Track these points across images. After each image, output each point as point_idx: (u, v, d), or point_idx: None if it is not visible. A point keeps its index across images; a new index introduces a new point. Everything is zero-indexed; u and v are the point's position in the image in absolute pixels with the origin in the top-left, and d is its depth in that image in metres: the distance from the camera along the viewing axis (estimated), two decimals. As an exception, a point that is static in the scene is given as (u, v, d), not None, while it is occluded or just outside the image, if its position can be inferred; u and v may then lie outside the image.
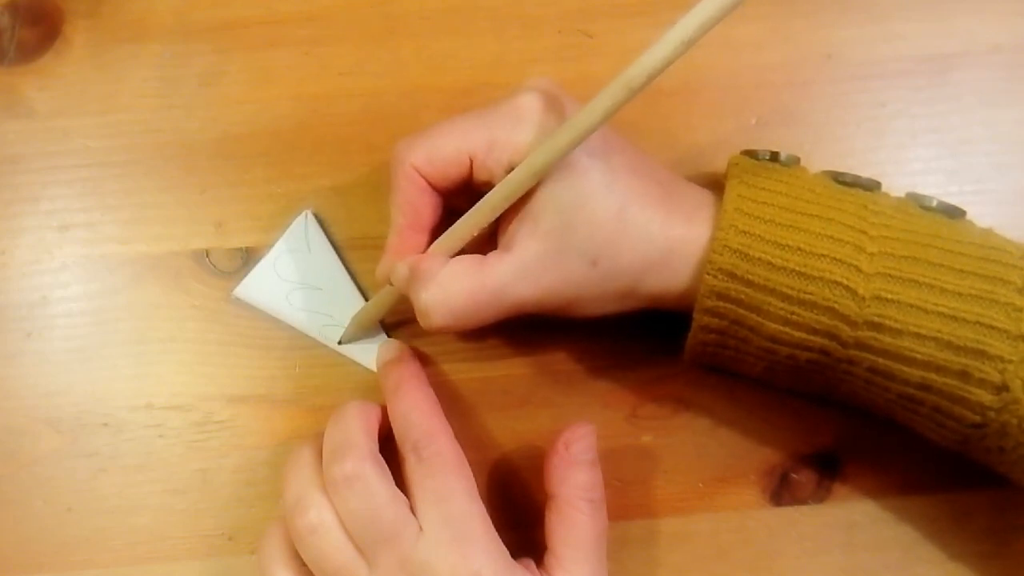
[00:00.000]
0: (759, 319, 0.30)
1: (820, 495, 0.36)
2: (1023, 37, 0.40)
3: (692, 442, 0.36)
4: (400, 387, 0.34)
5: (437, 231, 0.33)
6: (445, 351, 0.37)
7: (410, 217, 0.33)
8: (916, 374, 0.29)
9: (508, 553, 0.31)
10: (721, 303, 0.31)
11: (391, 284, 0.34)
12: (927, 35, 0.40)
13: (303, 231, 0.38)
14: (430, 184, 0.33)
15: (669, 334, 0.37)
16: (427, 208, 0.33)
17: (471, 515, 0.31)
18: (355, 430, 0.32)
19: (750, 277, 0.30)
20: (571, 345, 0.37)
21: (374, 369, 0.37)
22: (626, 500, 0.36)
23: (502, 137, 0.31)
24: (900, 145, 0.39)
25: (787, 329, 0.30)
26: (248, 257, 0.38)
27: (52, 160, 0.39)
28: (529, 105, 0.31)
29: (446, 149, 0.32)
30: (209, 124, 0.40)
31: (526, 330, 0.37)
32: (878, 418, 0.36)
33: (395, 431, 0.33)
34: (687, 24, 0.27)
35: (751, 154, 0.34)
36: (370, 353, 0.37)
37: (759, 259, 0.30)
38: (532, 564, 0.32)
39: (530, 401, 0.37)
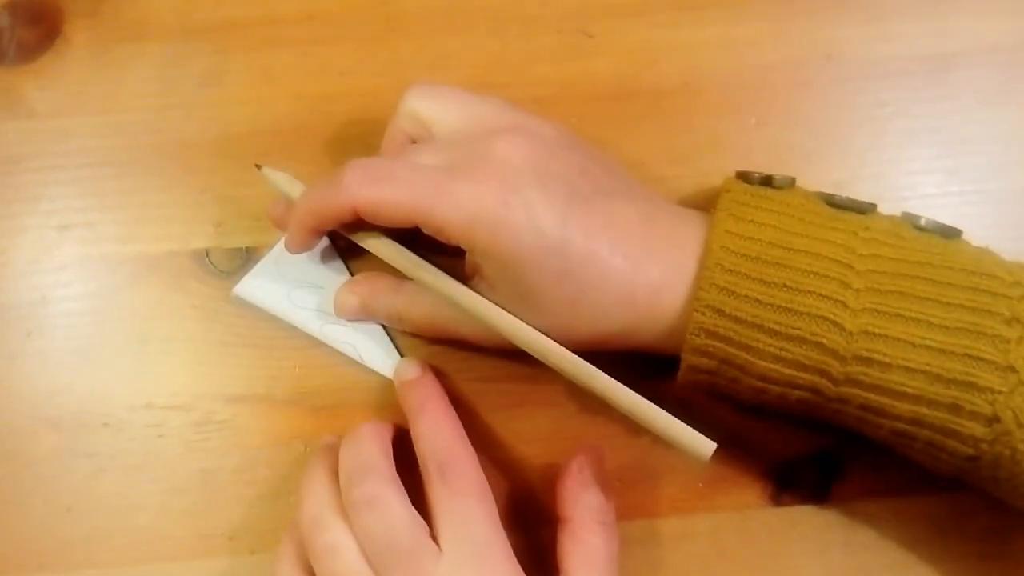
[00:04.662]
0: (748, 357, 0.30)
1: (820, 495, 0.36)
2: (1023, 37, 0.40)
3: (692, 442, 0.36)
4: (424, 408, 0.34)
5: None
6: (445, 351, 0.37)
7: (319, 227, 0.34)
8: (907, 409, 0.29)
9: None
10: (710, 341, 0.30)
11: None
12: (927, 35, 0.40)
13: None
14: (359, 218, 0.33)
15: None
16: (340, 226, 0.34)
17: (492, 541, 0.31)
18: (374, 453, 0.33)
19: (738, 314, 0.30)
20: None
21: (376, 369, 0.37)
22: (626, 500, 0.36)
23: (451, 225, 0.31)
24: (900, 145, 0.39)
25: (777, 367, 0.30)
26: (248, 257, 0.38)
27: (52, 160, 0.39)
28: (487, 191, 0.31)
29: (395, 213, 0.32)
30: (209, 124, 0.40)
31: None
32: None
33: (419, 452, 0.33)
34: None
35: (745, 177, 0.34)
36: (375, 354, 0.37)
37: (746, 296, 0.30)
38: None
39: (530, 401, 0.37)
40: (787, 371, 0.30)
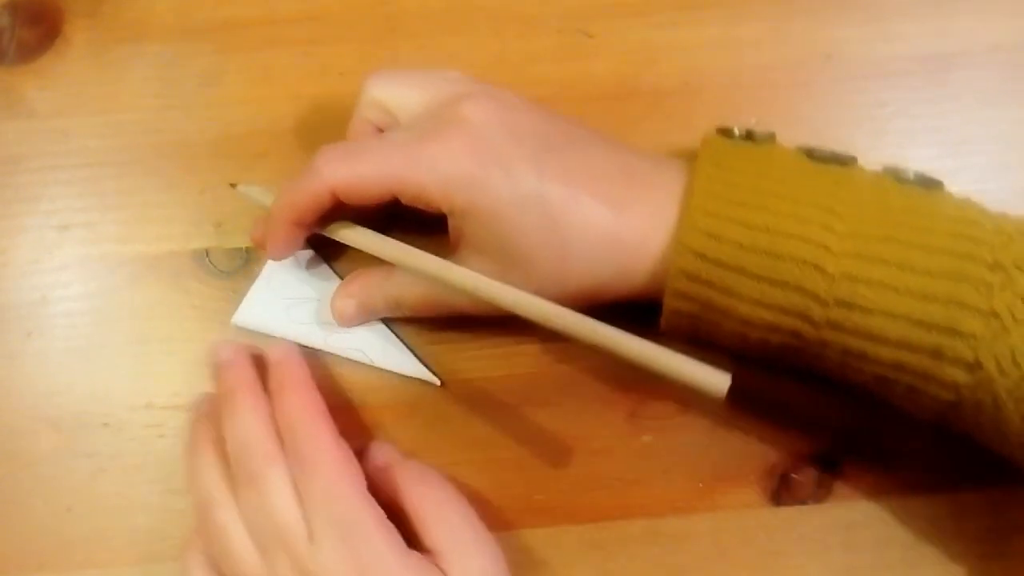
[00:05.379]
0: (730, 301, 0.30)
1: (820, 495, 0.36)
2: (1023, 37, 0.40)
3: (692, 442, 0.36)
4: (283, 389, 0.33)
5: None
6: (446, 351, 0.37)
7: (299, 219, 0.33)
8: (889, 353, 0.29)
9: (404, 547, 0.30)
10: (691, 284, 0.30)
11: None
12: (927, 35, 0.40)
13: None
14: (341, 200, 0.32)
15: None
16: (321, 215, 0.33)
17: (359, 514, 0.30)
18: (255, 427, 0.32)
19: (720, 257, 0.30)
20: (571, 345, 0.37)
21: (390, 368, 0.37)
22: (626, 500, 0.36)
23: (428, 189, 0.31)
24: (900, 145, 0.39)
25: (758, 311, 0.30)
26: (248, 257, 0.38)
27: (52, 160, 0.39)
28: (457, 150, 0.31)
29: (371, 186, 0.32)
30: (209, 124, 0.40)
31: (526, 330, 0.37)
32: (878, 417, 0.36)
33: (281, 432, 0.32)
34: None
35: (725, 132, 0.33)
36: (386, 353, 0.37)
37: (728, 240, 0.30)
38: (428, 557, 0.31)
39: (530, 401, 0.37)
40: (769, 315, 0.30)
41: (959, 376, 0.29)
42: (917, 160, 0.39)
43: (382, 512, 0.31)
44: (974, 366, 0.28)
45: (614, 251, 0.31)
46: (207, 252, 0.38)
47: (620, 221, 0.31)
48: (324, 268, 0.38)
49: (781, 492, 0.36)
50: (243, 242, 0.38)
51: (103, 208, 0.39)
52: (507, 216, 0.31)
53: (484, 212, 0.31)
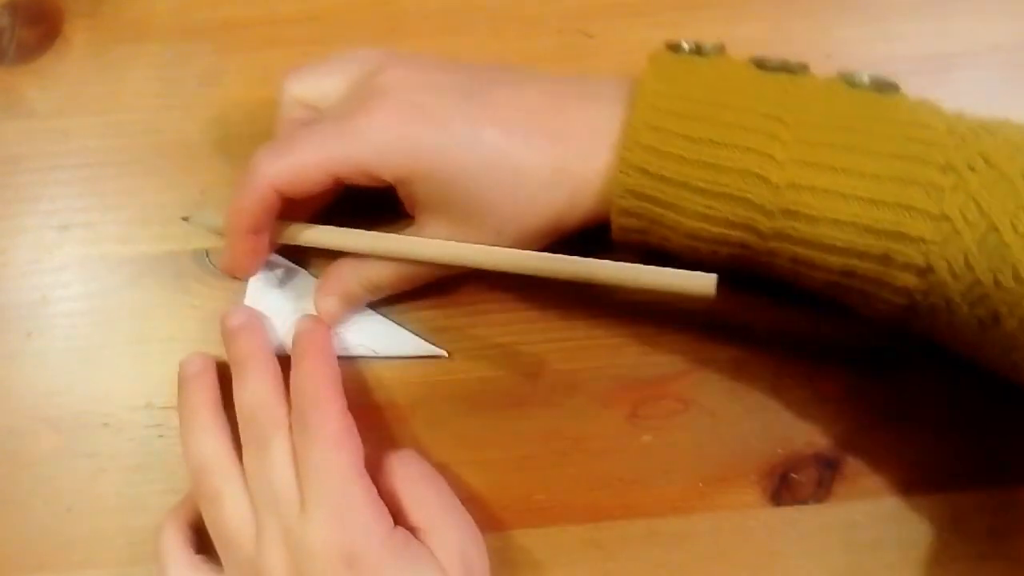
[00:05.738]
0: (676, 216, 0.30)
1: (820, 495, 0.36)
2: (1023, 37, 0.40)
3: (692, 442, 0.36)
4: (304, 356, 0.34)
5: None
6: (445, 351, 0.37)
7: (252, 225, 0.33)
8: (837, 261, 0.29)
9: (391, 524, 0.31)
10: (636, 202, 0.30)
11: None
12: (927, 35, 0.40)
13: (261, 275, 0.37)
14: (284, 197, 0.32)
15: (671, 333, 0.37)
16: (272, 216, 0.33)
17: (351, 489, 0.30)
18: (267, 391, 0.33)
19: (663, 173, 0.29)
20: (571, 345, 0.37)
21: (397, 354, 0.37)
22: (626, 500, 0.36)
23: (367, 162, 0.31)
24: (900, 145, 0.39)
25: (704, 225, 0.30)
26: (248, 257, 0.38)
27: (52, 160, 0.39)
28: (383, 120, 0.31)
29: (312, 174, 0.31)
30: (209, 124, 0.40)
31: (526, 330, 0.37)
32: (878, 417, 0.36)
33: (292, 400, 0.33)
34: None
35: (674, 48, 0.32)
36: (387, 340, 0.37)
37: (671, 154, 0.29)
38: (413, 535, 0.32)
39: (530, 401, 0.37)
40: (715, 229, 0.30)
41: (911, 281, 0.28)
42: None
43: (374, 489, 0.31)
44: (925, 270, 0.28)
45: (562, 179, 0.31)
46: (207, 252, 0.38)
47: (562, 148, 0.31)
48: (304, 276, 0.37)
49: (781, 492, 0.36)
50: (243, 242, 0.38)
51: (103, 208, 0.39)
52: (449, 169, 0.31)
53: (426, 171, 0.31)
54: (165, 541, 0.33)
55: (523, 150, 0.31)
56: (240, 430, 0.33)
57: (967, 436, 0.36)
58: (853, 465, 0.36)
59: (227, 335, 0.35)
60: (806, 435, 0.36)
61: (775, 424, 0.36)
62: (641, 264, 0.30)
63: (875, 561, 0.35)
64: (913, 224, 0.27)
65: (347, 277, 0.35)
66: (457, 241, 0.32)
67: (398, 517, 0.32)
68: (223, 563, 0.32)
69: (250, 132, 0.39)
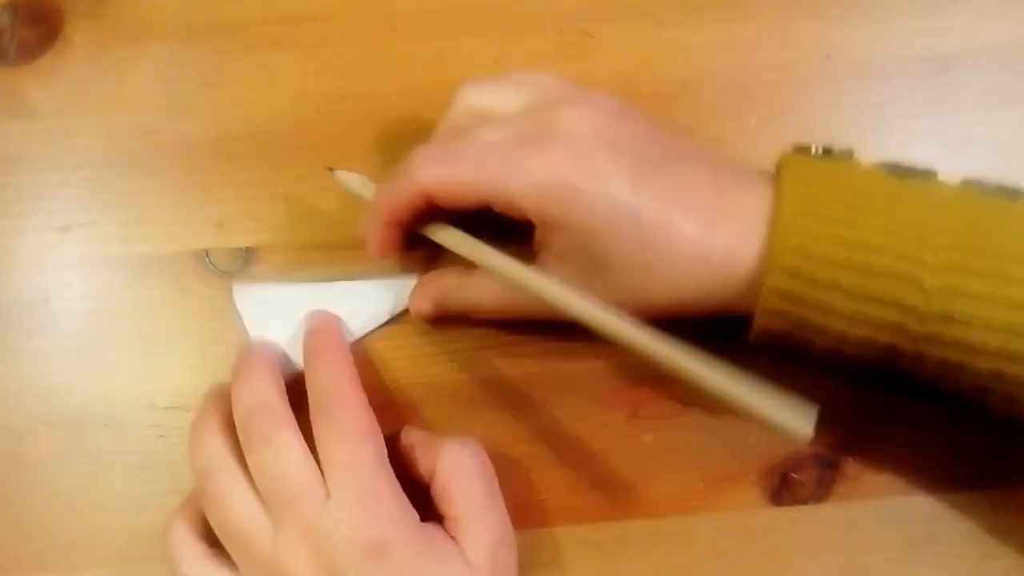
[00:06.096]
0: (823, 319, 0.30)
1: (820, 495, 0.36)
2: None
3: (692, 442, 0.36)
4: (319, 353, 0.34)
5: None
6: (445, 351, 0.37)
7: (394, 219, 0.33)
8: (987, 365, 0.29)
9: (416, 517, 0.31)
10: (784, 305, 0.30)
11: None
12: (927, 34, 0.40)
13: (248, 303, 0.37)
14: (432, 204, 0.32)
15: (670, 333, 0.37)
16: (416, 217, 0.33)
17: (378, 481, 0.31)
18: (270, 391, 0.33)
19: (813, 275, 0.29)
20: (571, 345, 0.37)
21: (386, 315, 0.37)
22: (626, 500, 0.36)
23: (522, 197, 0.31)
24: (900, 145, 0.39)
25: (854, 327, 0.30)
26: (248, 257, 0.38)
27: (53, 160, 0.39)
28: (557, 162, 0.31)
29: (465, 192, 0.32)
30: (210, 124, 0.40)
31: (526, 330, 0.37)
32: (879, 417, 0.36)
33: (309, 396, 0.33)
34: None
35: (802, 150, 0.33)
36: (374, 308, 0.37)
37: (820, 257, 0.29)
38: (441, 527, 0.32)
39: (530, 401, 0.37)
40: (864, 331, 0.30)
41: None
42: (917, 160, 0.39)
43: (398, 483, 0.31)
44: None
45: (701, 268, 0.31)
46: (207, 252, 0.38)
47: (709, 239, 0.31)
48: (296, 291, 0.38)
49: (781, 492, 0.36)
50: (243, 242, 0.38)
51: (104, 208, 0.39)
52: (599, 230, 0.31)
53: (576, 225, 0.31)
54: (175, 535, 0.33)
55: (672, 233, 0.31)
56: (239, 431, 0.32)
57: (967, 436, 0.36)
58: (853, 465, 0.36)
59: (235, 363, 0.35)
60: (806, 435, 0.36)
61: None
62: (746, 381, 0.29)
63: (875, 561, 0.35)
64: None
65: (449, 290, 0.36)
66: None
67: (440, 503, 0.32)
68: (237, 564, 0.32)
69: (251, 132, 0.39)
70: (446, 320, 0.37)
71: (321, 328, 0.36)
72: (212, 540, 0.32)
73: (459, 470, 0.33)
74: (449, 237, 0.34)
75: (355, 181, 0.36)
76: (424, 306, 0.36)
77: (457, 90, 0.35)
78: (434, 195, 0.32)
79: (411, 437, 0.35)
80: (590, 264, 0.32)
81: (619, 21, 0.40)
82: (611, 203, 0.31)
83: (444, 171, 0.32)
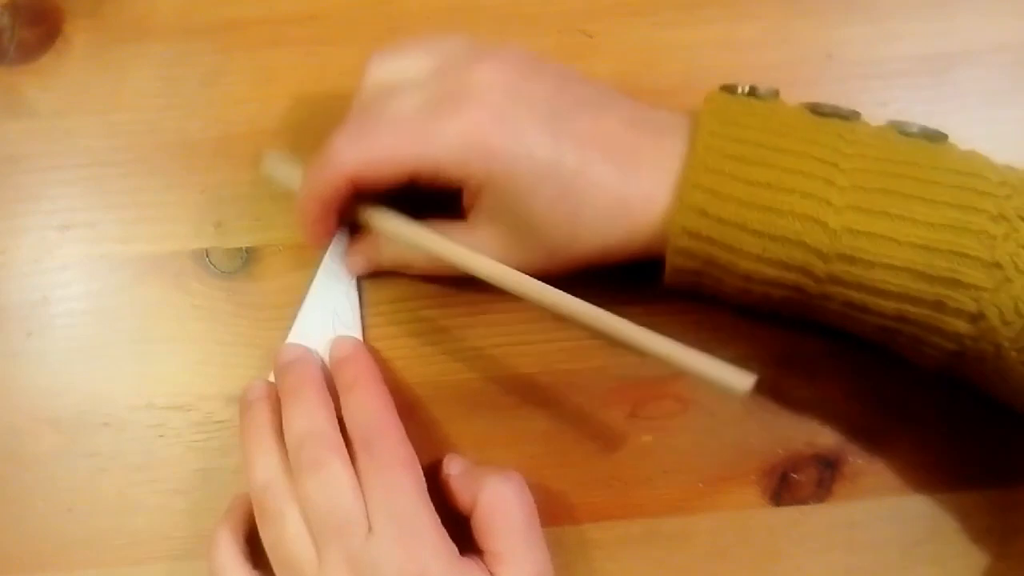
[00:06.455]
0: (732, 257, 0.30)
1: (820, 495, 0.36)
2: (1024, 36, 0.40)
3: (692, 442, 0.36)
4: (355, 384, 0.34)
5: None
6: (445, 351, 0.37)
7: (323, 212, 0.33)
8: (891, 306, 0.29)
9: (455, 550, 0.31)
10: (693, 242, 0.30)
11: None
12: (928, 34, 0.40)
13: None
14: (357, 188, 0.32)
15: (670, 333, 0.37)
16: (342, 204, 0.33)
17: (419, 512, 0.31)
18: (322, 416, 0.33)
19: (721, 214, 0.30)
20: (571, 345, 0.37)
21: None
22: (626, 500, 0.36)
23: (444, 165, 0.31)
24: (901, 145, 0.39)
25: (760, 267, 0.30)
26: (248, 257, 0.38)
27: (53, 160, 0.39)
28: (473, 115, 0.31)
29: (387, 169, 0.31)
30: (210, 124, 0.40)
31: (526, 330, 0.37)
32: (878, 417, 0.36)
33: (348, 427, 0.33)
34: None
35: (729, 89, 0.33)
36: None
37: (729, 196, 0.30)
38: (478, 560, 0.32)
39: (530, 401, 0.37)
40: (770, 271, 0.30)
41: (962, 327, 0.29)
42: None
43: (437, 516, 0.31)
44: (977, 317, 0.28)
45: (622, 214, 0.31)
46: (207, 252, 0.38)
47: (628, 184, 0.31)
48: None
49: (781, 492, 0.36)
50: (243, 242, 0.38)
51: (104, 208, 0.39)
52: (523, 185, 0.31)
53: (500, 182, 0.31)
54: (220, 556, 0.33)
55: (593, 182, 0.31)
56: (291, 457, 0.32)
57: (967, 436, 0.36)
58: (853, 465, 0.36)
59: (279, 370, 0.36)
60: (806, 435, 0.36)
61: (775, 424, 0.36)
62: (684, 346, 0.30)
63: (875, 561, 0.35)
64: (966, 271, 0.28)
65: (383, 249, 0.36)
66: (508, 251, 0.32)
67: (480, 536, 0.32)
68: None
69: (251, 132, 0.39)
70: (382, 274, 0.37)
71: (350, 357, 0.36)
72: (252, 549, 0.33)
73: (502, 505, 0.33)
74: (384, 221, 0.34)
75: (285, 170, 0.35)
76: (358, 264, 0.37)
77: (365, 65, 0.34)
78: (358, 179, 0.32)
79: (452, 467, 0.35)
80: (518, 221, 0.32)
81: (619, 21, 0.40)
82: (531, 159, 0.31)
83: (363, 152, 0.31)
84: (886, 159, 0.30)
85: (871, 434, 0.36)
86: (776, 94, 0.33)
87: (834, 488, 0.36)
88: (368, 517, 0.31)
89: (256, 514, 0.32)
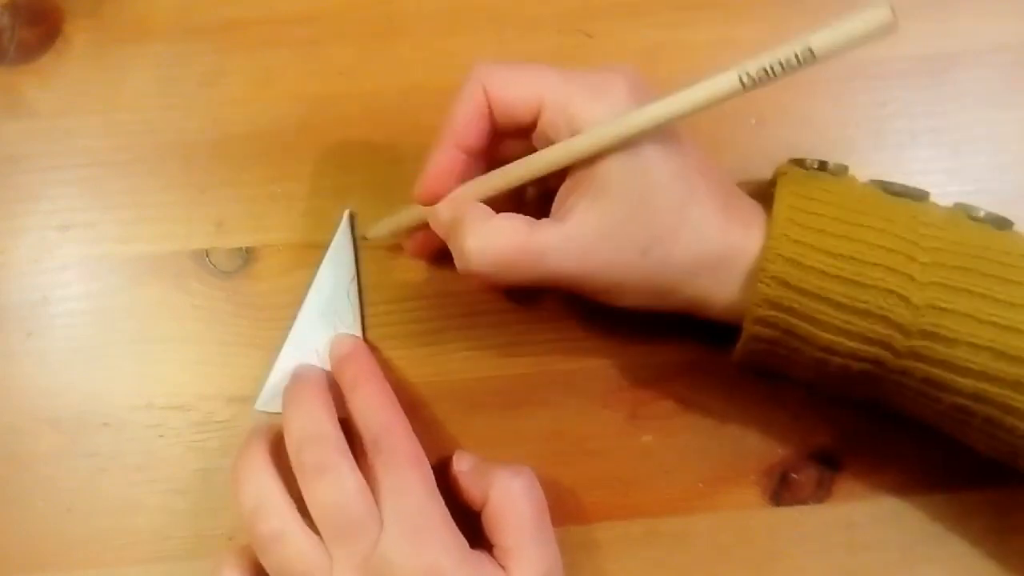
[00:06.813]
0: (812, 329, 0.30)
1: (820, 495, 0.36)
2: (1024, 37, 0.40)
3: (692, 442, 0.36)
4: (358, 383, 0.34)
5: (478, 166, 0.33)
6: (445, 351, 0.37)
7: (460, 136, 0.32)
8: (969, 384, 0.29)
9: (466, 544, 0.31)
10: (773, 312, 0.30)
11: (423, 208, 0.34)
12: (928, 34, 0.40)
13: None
14: (491, 113, 0.32)
15: (670, 333, 0.37)
16: (480, 134, 0.32)
17: (429, 508, 0.31)
18: (324, 419, 0.33)
19: (803, 286, 0.30)
20: (571, 345, 0.37)
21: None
22: (626, 500, 0.36)
23: (579, 101, 0.30)
24: (900, 145, 0.39)
25: (840, 339, 0.30)
26: (248, 257, 0.38)
27: (53, 160, 0.39)
28: (616, 84, 0.31)
29: (522, 86, 0.31)
30: (209, 124, 0.40)
31: (526, 330, 0.37)
32: (878, 417, 0.36)
33: (355, 427, 0.33)
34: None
35: (799, 163, 0.34)
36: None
37: (812, 268, 0.30)
38: (489, 555, 0.32)
39: (530, 401, 0.37)
40: (851, 343, 0.30)
41: None
42: (917, 160, 0.39)
43: (447, 511, 0.31)
44: None
45: (720, 239, 0.31)
46: (207, 252, 0.38)
47: (723, 233, 0.31)
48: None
49: (781, 492, 0.36)
50: (243, 242, 0.38)
51: (104, 208, 0.39)
52: (647, 153, 0.30)
53: (635, 146, 0.30)
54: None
55: (703, 196, 0.31)
56: (292, 459, 0.32)
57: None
58: (853, 465, 0.36)
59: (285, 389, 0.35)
60: (806, 435, 0.36)
61: (775, 424, 0.36)
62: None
63: (875, 561, 0.35)
64: None
65: (481, 239, 0.32)
66: (600, 243, 0.31)
67: (491, 531, 0.32)
68: None
69: (250, 132, 0.39)
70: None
71: (351, 355, 0.36)
72: None
73: (512, 501, 0.33)
74: (484, 184, 0.33)
75: (388, 223, 0.37)
76: (442, 212, 0.33)
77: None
78: (493, 95, 0.31)
79: (462, 464, 0.35)
80: (631, 195, 0.30)
81: (619, 21, 0.40)
82: (662, 135, 0.30)
83: (509, 71, 0.32)
84: (961, 239, 0.30)
85: (871, 434, 0.36)
86: (846, 169, 0.33)
87: (834, 488, 0.36)
88: (379, 515, 0.31)
89: (253, 540, 0.32)
